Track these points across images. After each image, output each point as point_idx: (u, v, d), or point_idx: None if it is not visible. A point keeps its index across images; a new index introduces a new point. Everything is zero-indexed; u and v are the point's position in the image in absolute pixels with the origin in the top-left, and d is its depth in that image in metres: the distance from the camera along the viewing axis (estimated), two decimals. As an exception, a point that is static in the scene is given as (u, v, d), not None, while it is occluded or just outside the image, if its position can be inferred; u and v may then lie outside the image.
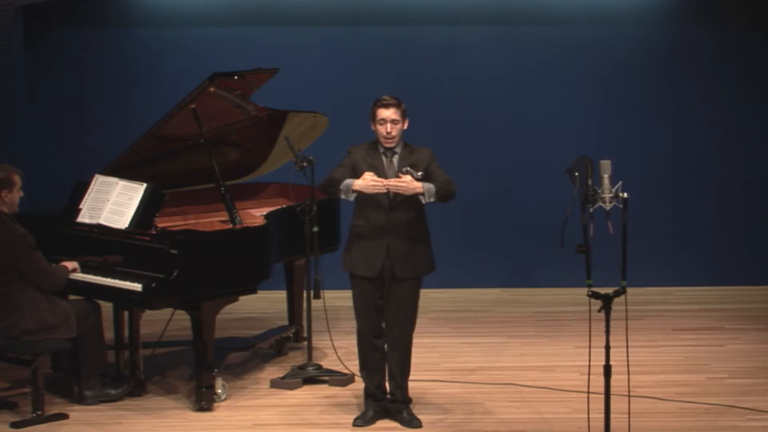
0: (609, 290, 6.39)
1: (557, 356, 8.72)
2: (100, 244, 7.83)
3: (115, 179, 7.97)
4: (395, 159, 7.28)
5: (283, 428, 7.44)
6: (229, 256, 7.72)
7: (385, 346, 7.40)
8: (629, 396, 6.92)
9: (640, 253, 9.71)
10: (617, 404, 6.72)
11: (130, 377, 7.95)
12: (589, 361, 6.63)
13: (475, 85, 10.56)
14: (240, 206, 8.21)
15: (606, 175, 6.37)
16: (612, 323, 6.42)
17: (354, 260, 7.32)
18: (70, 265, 7.72)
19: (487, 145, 10.58)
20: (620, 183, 6.38)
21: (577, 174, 6.38)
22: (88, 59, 10.55)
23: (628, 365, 6.79)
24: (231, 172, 8.51)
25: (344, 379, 8.15)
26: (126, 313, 8.01)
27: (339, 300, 8.77)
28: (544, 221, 9.98)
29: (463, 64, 10.55)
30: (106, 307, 7.96)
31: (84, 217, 7.95)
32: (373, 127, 7.28)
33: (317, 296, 8.10)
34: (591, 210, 6.35)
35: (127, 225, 7.76)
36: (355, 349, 7.49)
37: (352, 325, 7.49)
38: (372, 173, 7.13)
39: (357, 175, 7.18)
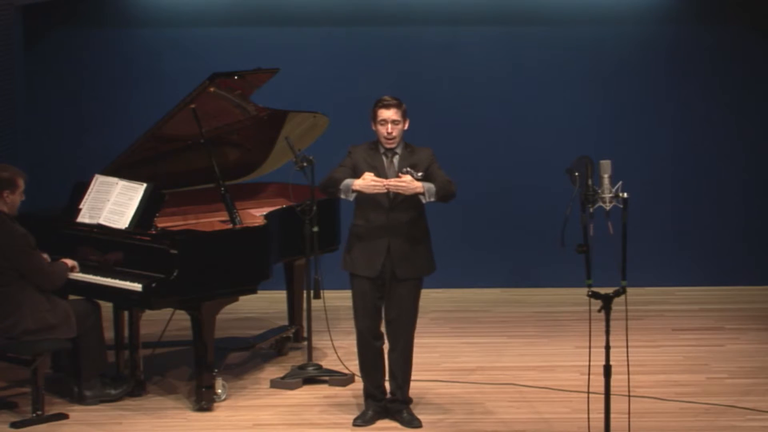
0: (609, 290, 6.39)
1: (557, 356, 8.71)
2: (100, 244, 7.82)
3: (115, 179, 7.97)
4: (396, 159, 7.27)
5: (283, 428, 7.44)
6: (229, 256, 7.71)
7: (386, 347, 7.41)
8: (629, 396, 6.91)
9: (640, 253, 9.70)
10: (617, 404, 6.72)
11: (130, 377, 7.95)
12: (589, 361, 6.63)
13: (475, 85, 10.55)
14: (240, 206, 8.21)
15: (606, 175, 6.36)
16: (612, 323, 6.41)
17: (354, 260, 7.31)
18: (69, 262, 7.72)
19: (487, 145, 10.58)
20: (620, 183, 6.37)
21: (577, 174, 6.37)
22: (88, 59, 10.55)
23: (628, 365, 6.79)
24: (231, 172, 8.50)
25: (344, 379, 8.14)
26: (126, 313, 8.00)
27: (339, 300, 8.77)
28: (545, 221, 9.97)
29: (463, 64, 10.54)
30: (106, 307, 7.96)
31: (84, 217, 7.95)
32: (373, 128, 7.27)
33: (317, 296, 8.09)
34: (591, 210, 6.35)
35: (127, 225, 7.76)
36: (355, 349, 7.49)
37: (352, 325, 7.47)
38: (372, 173, 7.13)
39: (357, 175, 7.17)
